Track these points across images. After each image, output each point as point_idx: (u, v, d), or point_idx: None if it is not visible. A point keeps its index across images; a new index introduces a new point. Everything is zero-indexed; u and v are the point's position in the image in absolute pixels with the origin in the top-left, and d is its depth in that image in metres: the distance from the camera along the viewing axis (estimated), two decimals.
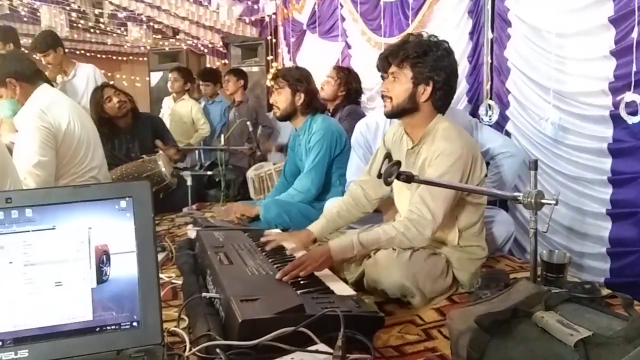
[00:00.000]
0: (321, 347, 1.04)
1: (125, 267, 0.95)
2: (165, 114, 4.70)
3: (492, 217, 2.00)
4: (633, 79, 1.75)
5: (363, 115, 2.86)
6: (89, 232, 0.95)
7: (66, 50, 3.68)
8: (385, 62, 1.66)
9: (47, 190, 1.00)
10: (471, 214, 1.62)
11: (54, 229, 0.94)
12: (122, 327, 0.95)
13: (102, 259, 0.95)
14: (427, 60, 1.57)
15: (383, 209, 1.98)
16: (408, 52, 1.58)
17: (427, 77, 1.58)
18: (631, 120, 1.78)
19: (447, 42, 1.62)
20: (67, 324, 0.93)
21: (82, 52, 7.47)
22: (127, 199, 0.97)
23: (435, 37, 1.62)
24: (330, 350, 1.01)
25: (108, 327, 0.94)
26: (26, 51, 3.55)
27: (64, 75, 3.51)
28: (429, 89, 1.59)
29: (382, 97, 1.67)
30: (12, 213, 0.92)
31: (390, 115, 1.67)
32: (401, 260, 1.48)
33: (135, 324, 0.95)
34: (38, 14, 6.28)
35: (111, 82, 3.54)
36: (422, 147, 1.63)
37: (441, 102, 1.62)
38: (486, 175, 2.07)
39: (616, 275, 1.93)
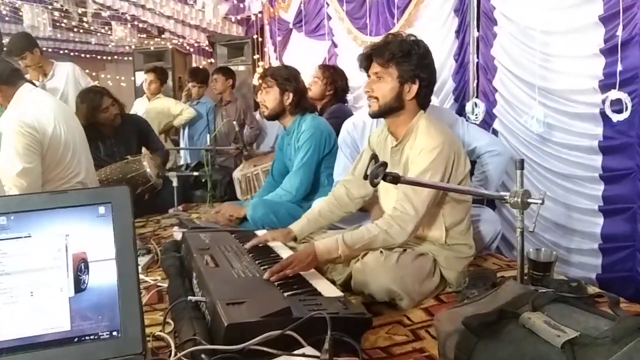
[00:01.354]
0: (308, 350, 1.03)
1: (104, 275, 0.93)
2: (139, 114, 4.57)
3: (478, 216, 2.00)
4: (618, 78, 1.76)
5: (350, 114, 2.85)
6: (67, 239, 0.92)
7: (49, 49, 3.61)
8: (367, 62, 1.65)
9: (22, 197, 0.97)
10: (457, 211, 1.62)
11: (30, 236, 0.91)
12: (101, 337, 0.92)
13: (80, 267, 0.92)
14: (412, 59, 1.58)
15: (370, 208, 1.97)
16: (393, 51, 1.57)
17: (413, 76, 1.59)
18: (616, 118, 1.79)
19: (424, 41, 1.63)
20: (44, 334, 0.90)
21: (66, 51, 7.33)
22: (105, 204, 0.94)
23: (414, 36, 1.63)
24: (318, 354, 1.00)
25: (87, 337, 0.92)
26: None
27: (42, 76, 3.44)
28: (415, 87, 1.60)
29: (368, 97, 1.67)
30: None
31: (377, 115, 1.67)
32: (388, 263, 1.47)
33: (115, 333, 0.93)
34: (20, 14, 6.16)
35: (96, 82, 3.48)
36: (405, 144, 1.64)
37: (425, 99, 1.64)
38: (472, 173, 2.08)
39: (608, 271, 1.94)
